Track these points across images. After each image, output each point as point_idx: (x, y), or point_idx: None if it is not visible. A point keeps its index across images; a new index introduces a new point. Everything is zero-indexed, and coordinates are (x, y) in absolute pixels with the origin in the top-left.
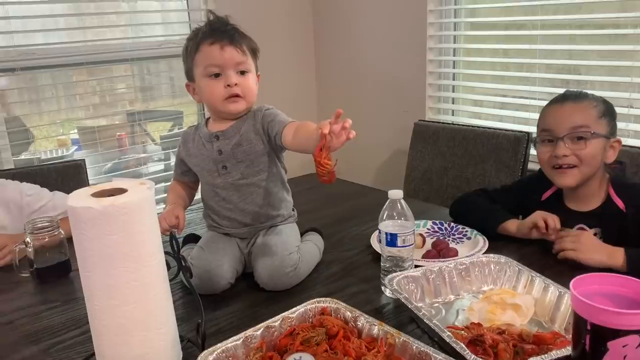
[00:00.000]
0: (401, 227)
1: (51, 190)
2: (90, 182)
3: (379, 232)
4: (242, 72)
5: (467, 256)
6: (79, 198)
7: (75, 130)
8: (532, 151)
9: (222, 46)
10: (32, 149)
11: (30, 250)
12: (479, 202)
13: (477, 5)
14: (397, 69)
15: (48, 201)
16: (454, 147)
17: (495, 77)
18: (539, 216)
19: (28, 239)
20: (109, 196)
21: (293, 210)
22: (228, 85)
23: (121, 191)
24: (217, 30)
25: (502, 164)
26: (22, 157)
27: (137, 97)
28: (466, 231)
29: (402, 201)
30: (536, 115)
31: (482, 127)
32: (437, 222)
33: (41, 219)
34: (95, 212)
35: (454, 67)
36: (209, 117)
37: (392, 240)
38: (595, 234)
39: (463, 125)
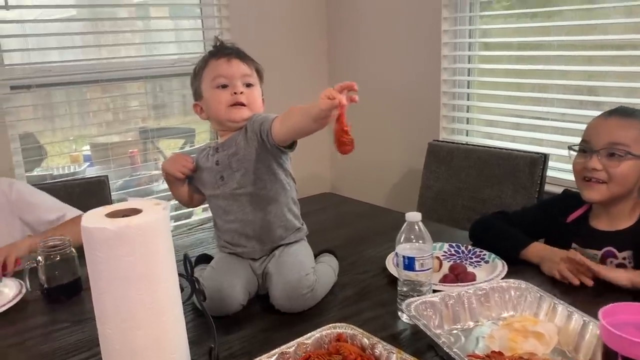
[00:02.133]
0: (419, 250)
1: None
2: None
3: (396, 255)
4: (249, 85)
5: (486, 281)
6: (93, 218)
7: (88, 147)
8: (549, 173)
9: (229, 59)
10: (45, 164)
11: (41, 269)
12: (499, 225)
13: (491, 25)
14: (411, 88)
15: (42, 201)
16: (468, 168)
17: (509, 97)
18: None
19: (39, 258)
20: (123, 217)
21: (302, 224)
22: (234, 93)
23: (136, 212)
24: (222, 48)
25: (519, 185)
26: (35, 172)
27: (150, 115)
28: (484, 254)
29: (420, 224)
30: (552, 137)
31: (498, 148)
32: (454, 244)
33: (53, 237)
34: (110, 232)
35: (468, 87)
36: None
37: (409, 264)
38: (624, 259)
39: (478, 145)
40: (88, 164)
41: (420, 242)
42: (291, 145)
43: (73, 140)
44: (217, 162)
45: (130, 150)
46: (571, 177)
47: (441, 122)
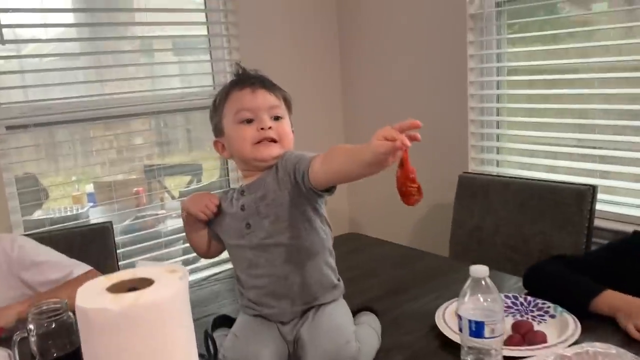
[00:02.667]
0: (489, 312)
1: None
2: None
3: (459, 319)
4: (277, 118)
5: (560, 342)
6: (91, 295)
7: (91, 186)
8: (599, 206)
9: (253, 89)
10: (46, 206)
11: (33, 339)
12: (561, 271)
13: (521, 48)
14: (436, 117)
15: (46, 260)
16: (506, 202)
17: (544, 124)
18: None
19: (31, 326)
20: (129, 290)
21: (338, 280)
22: (262, 129)
23: (146, 283)
24: (246, 76)
25: (565, 220)
26: (35, 216)
27: (155, 152)
28: (548, 307)
29: (488, 280)
30: (600, 166)
31: (539, 180)
32: (510, 295)
33: (47, 302)
34: (113, 314)
35: (497, 115)
36: None
37: (477, 329)
38: None
39: (515, 177)
40: (91, 204)
41: (489, 301)
42: (330, 189)
43: (75, 180)
44: (242, 207)
45: (135, 189)
46: (623, 210)
47: (470, 153)
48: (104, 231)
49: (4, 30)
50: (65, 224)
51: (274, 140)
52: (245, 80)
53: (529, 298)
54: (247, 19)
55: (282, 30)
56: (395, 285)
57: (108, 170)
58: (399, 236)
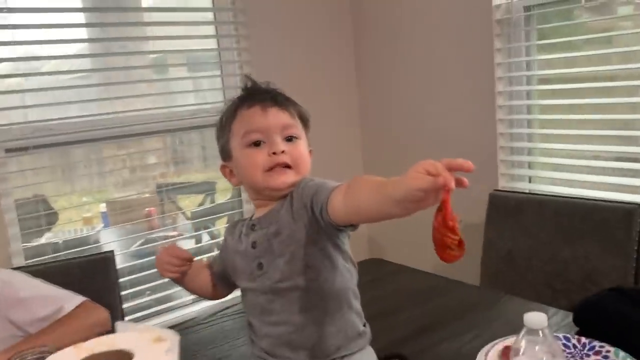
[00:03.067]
0: None
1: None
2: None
3: None
4: (290, 139)
5: None
6: None
7: (104, 206)
8: None
9: (263, 107)
10: (55, 229)
11: None
12: (622, 308)
13: (553, 55)
14: (462, 131)
15: (34, 295)
16: (543, 223)
17: (581, 136)
18: None
19: None
20: None
21: (365, 325)
22: (273, 153)
23: (124, 357)
24: (256, 92)
25: (611, 243)
26: (43, 240)
27: (169, 170)
28: (607, 351)
29: (547, 330)
30: None
31: (579, 198)
32: (560, 335)
33: (31, 351)
34: None
35: (528, 127)
36: None
37: None
38: None
39: (552, 195)
40: (102, 225)
41: (548, 356)
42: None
43: (86, 202)
44: (253, 244)
45: (147, 209)
46: None
47: (499, 168)
48: (105, 262)
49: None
50: (57, 256)
51: (287, 166)
52: (254, 96)
53: (583, 339)
54: (258, 32)
55: (294, 43)
56: (425, 322)
57: (121, 190)
58: (424, 261)
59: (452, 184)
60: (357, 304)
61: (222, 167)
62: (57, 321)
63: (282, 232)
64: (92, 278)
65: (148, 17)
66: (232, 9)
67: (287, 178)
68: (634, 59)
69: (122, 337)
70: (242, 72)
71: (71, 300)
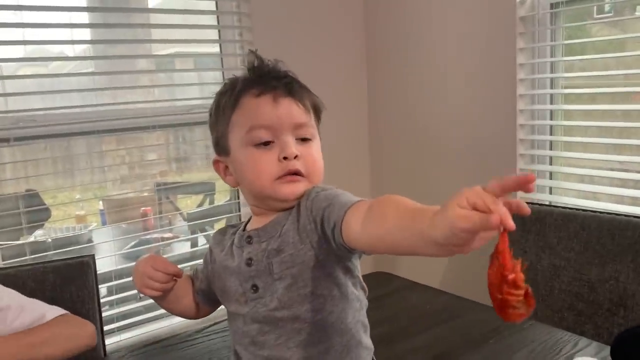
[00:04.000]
0: None
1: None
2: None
3: None
4: (304, 139)
5: None
6: None
7: (99, 205)
8: None
9: (275, 98)
10: (46, 227)
11: None
12: None
13: (582, 56)
14: (479, 136)
15: (11, 302)
16: (568, 239)
17: (611, 146)
18: None
19: None
20: None
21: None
22: (285, 158)
23: None
24: (265, 76)
25: None
26: (32, 239)
27: (171, 168)
28: None
29: None
30: None
31: (608, 213)
32: None
33: None
34: None
35: (551, 134)
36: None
37: None
38: None
39: (578, 208)
40: (95, 225)
41: None
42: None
43: (80, 199)
44: (248, 261)
45: (142, 209)
46: None
47: None
48: (83, 267)
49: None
50: (34, 257)
51: (300, 174)
52: (263, 81)
53: None
54: (263, 34)
55: (301, 43)
56: (439, 350)
57: (118, 187)
58: (435, 275)
59: (511, 223)
60: (366, 338)
61: (216, 162)
62: (40, 326)
63: (285, 251)
64: (68, 284)
65: (149, 18)
66: (237, 13)
67: (297, 188)
68: None
69: None
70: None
71: (52, 310)
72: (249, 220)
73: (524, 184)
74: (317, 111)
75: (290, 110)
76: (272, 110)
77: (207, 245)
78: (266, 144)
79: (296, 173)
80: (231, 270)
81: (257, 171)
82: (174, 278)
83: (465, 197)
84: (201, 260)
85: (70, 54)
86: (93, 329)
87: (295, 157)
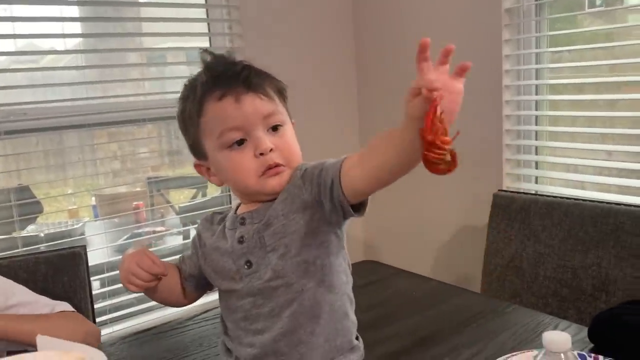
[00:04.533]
0: None
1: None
2: (92, 267)
3: None
4: (275, 128)
5: None
6: None
7: (92, 200)
8: None
9: (237, 97)
10: (40, 220)
11: None
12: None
13: (566, 47)
14: (466, 127)
15: (23, 299)
16: (552, 227)
17: (594, 135)
18: None
19: None
20: None
21: (357, 338)
22: (261, 154)
23: None
24: (222, 76)
25: (625, 251)
26: (24, 233)
27: (163, 162)
28: None
29: (570, 354)
30: None
31: (591, 201)
32: (575, 352)
33: None
34: None
35: (536, 124)
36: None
37: None
38: None
39: (562, 197)
40: (88, 219)
41: None
42: (361, 207)
43: (71, 193)
44: (240, 239)
45: (135, 203)
46: None
47: (504, 167)
48: (74, 258)
49: None
50: (26, 250)
51: (281, 165)
52: (221, 81)
53: (600, 358)
54: (252, 28)
55: (290, 38)
56: (423, 334)
57: (110, 181)
58: (422, 264)
59: (436, 85)
60: (352, 313)
61: (197, 166)
62: (44, 316)
63: (275, 223)
64: (60, 275)
65: (139, 12)
66: (225, 6)
67: (283, 179)
68: None
69: (38, 357)
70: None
71: (60, 305)
72: (238, 206)
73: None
74: (281, 94)
75: (255, 105)
76: (237, 110)
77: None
78: (240, 143)
79: (277, 165)
80: (223, 251)
81: (238, 172)
82: (158, 277)
83: (410, 90)
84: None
85: (61, 48)
86: (98, 330)
87: (271, 150)
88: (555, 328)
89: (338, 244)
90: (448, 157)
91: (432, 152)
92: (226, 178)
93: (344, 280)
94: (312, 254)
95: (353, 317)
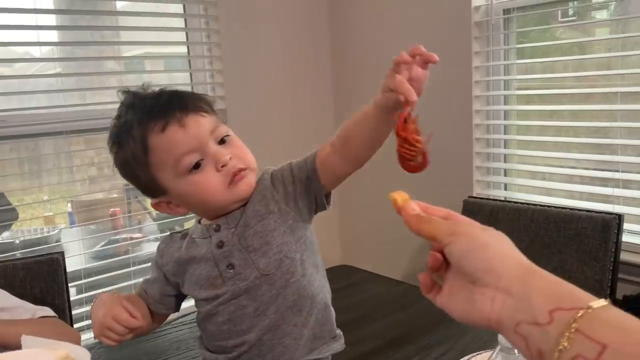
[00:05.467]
0: None
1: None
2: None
3: None
4: (223, 140)
5: None
6: None
7: (68, 207)
8: (625, 238)
9: (180, 123)
10: (15, 228)
11: None
12: None
13: (532, 60)
14: (437, 135)
15: (5, 305)
16: (519, 232)
17: (559, 144)
18: None
19: None
20: None
21: (337, 329)
22: (223, 166)
23: None
24: (155, 108)
25: (587, 254)
26: (1, 239)
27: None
28: None
29: None
30: (623, 192)
31: (556, 207)
32: None
33: None
34: None
35: (505, 133)
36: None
37: None
38: None
39: (529, 203)
40: (64, 226)
41: None
42: (328, 199)
43: (48, 200)
44: (219, 243)
45: (111, 210)
46: None
47: (474, 175)
48: (53, 264)
49: None
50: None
51: (243, 168)
52: (158, 114)
53: None
54: (229, 26)
55: (267, 38)
56: (394, 335)
57: (87, 188)
58: (395, 268)
59: (411, 96)
60: (330, 304)
61: (158, 204)
62: (26, 320)
63: (253, 224)
64: (37, 281)
65: (117, 21)
66: (202, 1)
67: (250, 180)
68: (612, 65)
69: (25, 355)
70: (212, 68)
71: (41, 311)
72: (200, 219)
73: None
74: (213, 107)
75: (199, 124)
76: (185, 134)
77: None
78: (197, 166)
79: (240, 170)
80: (200, 259)
81: (205, 191)
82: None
83: (390, 83)
84: (143, 279)
85: (37, 55)
86: (79, 335)
87: (230, 158)
88: None
89: (312, 238)
90: (419, 159)
91: (405, 148)
92: (192, 202)
93: (322, 272)
94: (292, 249)
95: (332, 308)
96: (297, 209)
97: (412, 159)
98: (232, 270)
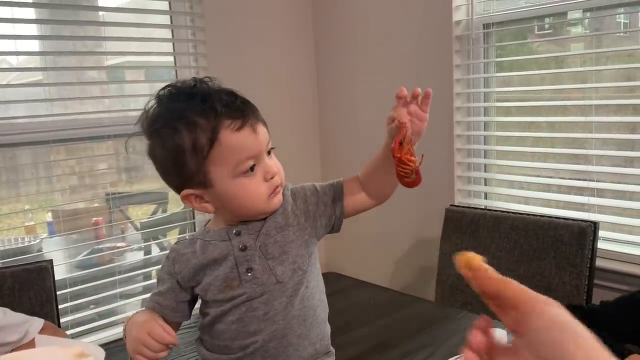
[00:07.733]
0: None
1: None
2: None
3: None
4: (269, 152)
5: None
6: None
7: (49, 216)
8: (600, 245)
9: (253, 128)
10: None
11: None
12: None
13: (511, 73)
14: (419, 146)
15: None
16: (499, 239)
17: (537, 154)
18: None
19: None
20: None
21: (331, 347)
22: (271, 178)
23: None
24: (232, 106)
25: (564, 260)
26: None
27: (121, 178)
28: None
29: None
30: (598, 201)
31: (534, 215)
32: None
33: None
34: None
35: (485, 144)
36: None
37: None
38: None
39: (508, 212)
40: (44, 236)
41: None
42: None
43: (29, 209)
44: (243, 247)
45: (94, 219)
46: (627, 249)
47: (456, 184)
48: (41, 272)
49: None
50: None
51: (280, 186)
52: (236, 113)
53: None
54: (215, 36)
55: (252, 46)
56: (380, 339)
57: (68, 197)
58: (381, 275)
59: (405, 119)
60: (327, 320)
61: (187, 197)
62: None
63: (274, 234)
64: (26, 289)
65: (103, 17)
66: (190, 13)
67: (281, 196)
68: (587, 79)
69: (41, 353)
70: (198, 65)
71: (33, 323)
72: (208, 222)
73: (415, 97)
74: None
75: (264, 134)
76: (255, 140)
77: (160, 253)
78: (251, 169)
79: (278, 186)
80: (220, 260)
81: (250, 197)
82: (169, 346)
83: (395, 114)
84: (151, 293)
85: (15, 64)
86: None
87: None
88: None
89: (317, 254)
90: (413, 176)
91: (400, 167)
92: (230, 203)
93: (322, 289)
94: (304, 262)
95: (328, 324)
96: (315, 226)
97: (407, 176)
98: (250, 274)
